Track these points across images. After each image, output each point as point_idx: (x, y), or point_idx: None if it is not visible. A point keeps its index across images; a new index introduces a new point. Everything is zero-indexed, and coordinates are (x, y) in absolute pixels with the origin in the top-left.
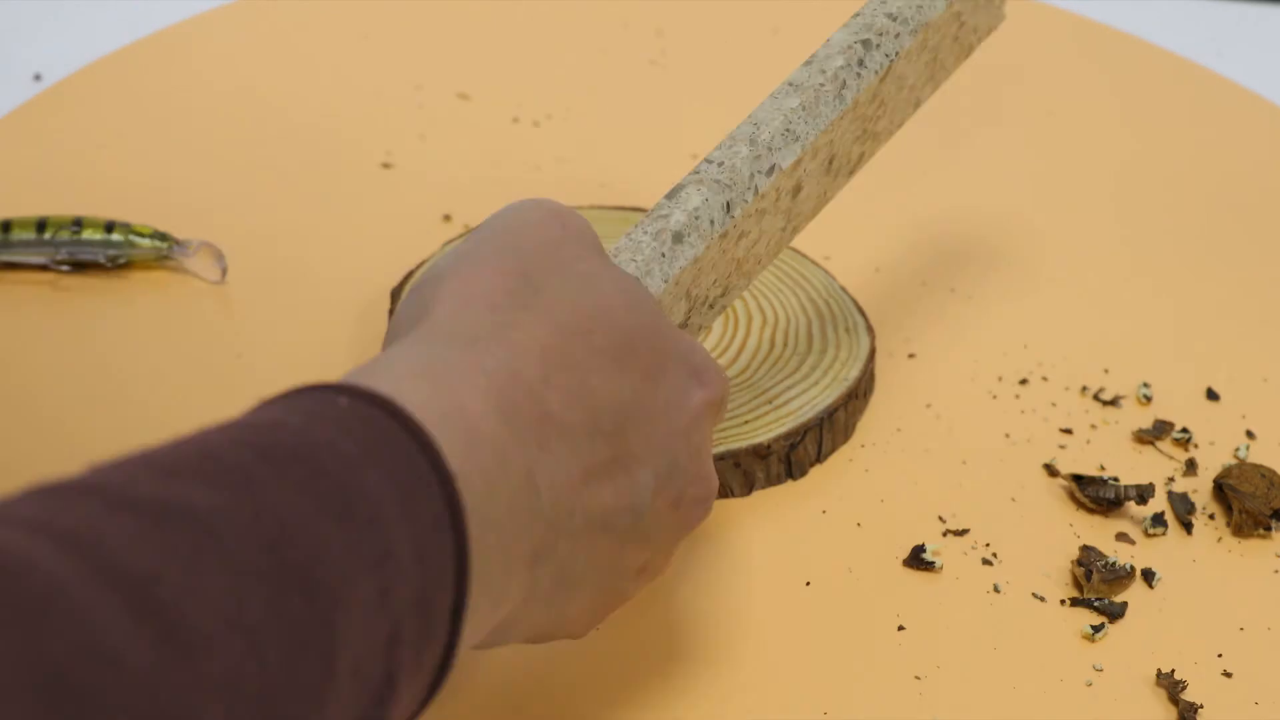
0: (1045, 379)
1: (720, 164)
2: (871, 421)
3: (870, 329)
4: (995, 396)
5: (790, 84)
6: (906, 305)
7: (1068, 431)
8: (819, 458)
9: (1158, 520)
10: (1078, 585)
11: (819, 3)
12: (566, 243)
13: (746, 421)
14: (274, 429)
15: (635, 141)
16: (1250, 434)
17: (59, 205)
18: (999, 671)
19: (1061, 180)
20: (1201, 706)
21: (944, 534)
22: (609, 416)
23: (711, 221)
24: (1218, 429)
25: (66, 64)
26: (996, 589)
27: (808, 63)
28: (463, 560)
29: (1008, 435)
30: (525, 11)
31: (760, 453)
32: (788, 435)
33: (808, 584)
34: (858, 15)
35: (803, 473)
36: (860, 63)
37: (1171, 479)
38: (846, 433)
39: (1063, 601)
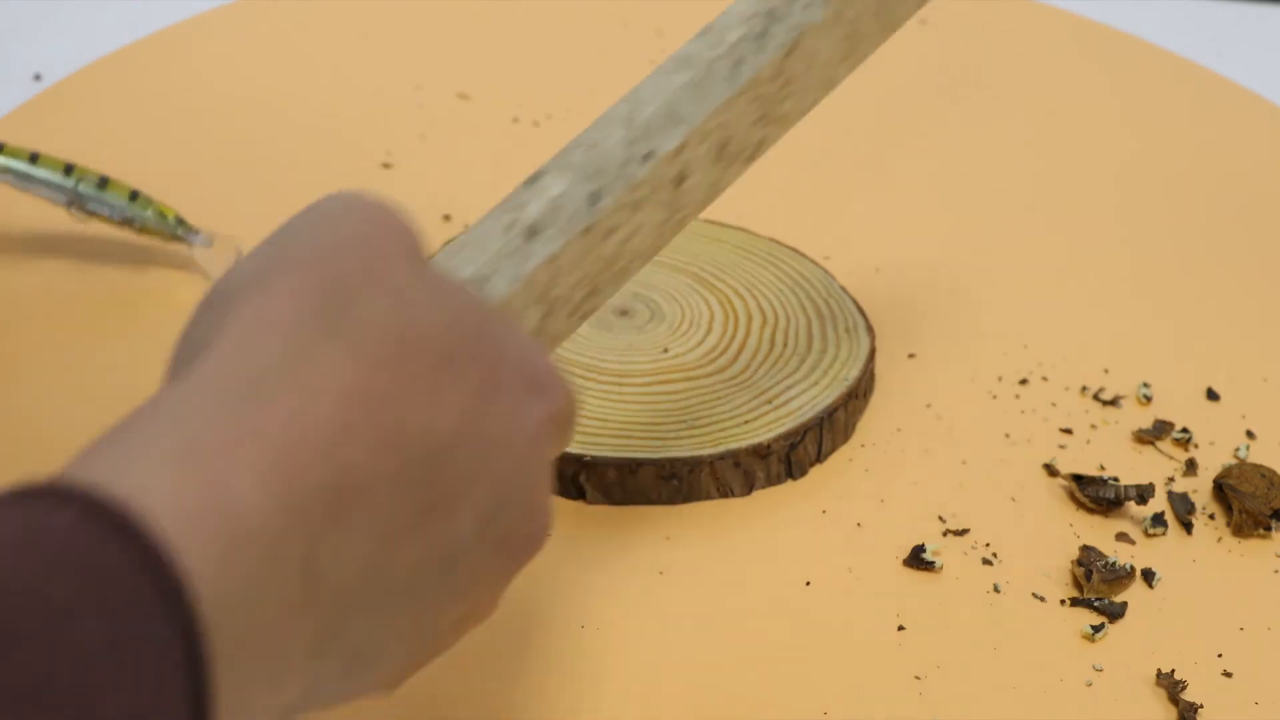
0: (1045, 379)
1: (590, 147)
2: (871, 421)
3: (870, 329)
4: (995, 396)
5: (679, 57)
6: (906, 305)
7: (1068, 431)
8: (819, 457)
9: (1158, 520)
10: (1078, 585)
11: None
12: (381, 248)
13: (746, 421)
14: None
15: None
16: (1250, 434)
17: (59, 207)
18: (999, 671)
19: (1061, 180)
20: (1201, 706)
21: (944, 534)
22: (423, 459)
23: (574, 214)
24: (1218, 429)
25: (66, 64)
26: (996, 589)
27: (702, 33)
28: (201, 710)
29: (1008, 435)
30: (525, 11)
31: (760, 452)
32: (788, 435)
33: (808, 584)
34: None
35: (803, 472)
36: (762, 35)
37: (1171, 479)
38: (846, 433)
39: (1063, 601)
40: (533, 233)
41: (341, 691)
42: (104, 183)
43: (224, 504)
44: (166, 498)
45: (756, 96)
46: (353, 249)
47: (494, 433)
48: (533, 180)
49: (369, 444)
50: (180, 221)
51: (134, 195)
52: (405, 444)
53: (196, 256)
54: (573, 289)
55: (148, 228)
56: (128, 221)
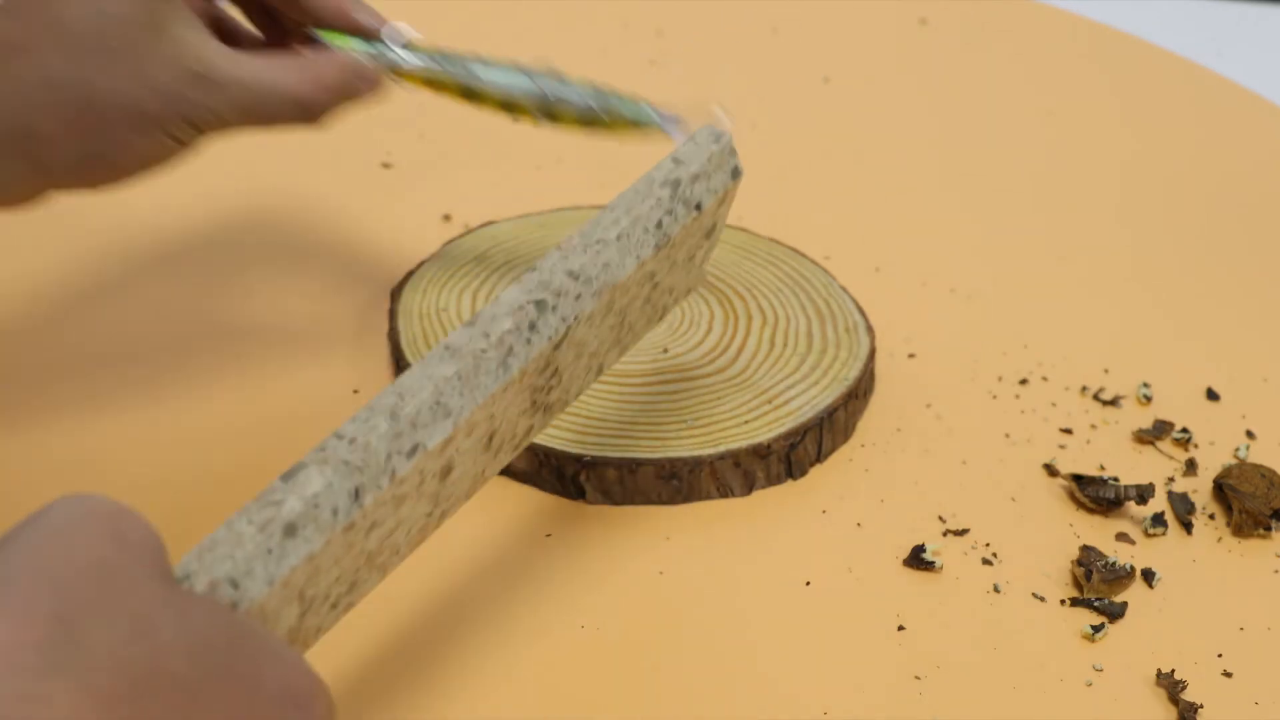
0: (1045, 379)
1: (352, 441)
2: (871, 421)
3: (870, 329)
4: (995, 396)
5: (446, 347)
6: (906, 305)
7: (1068, 431)
8: (819, 457)
9: (1158, 520)
10: (1078, 585)
11: (818, 3)
12: (121, 567)
13: (747, 421)
14: None
15: None
16: (1250, 434)
17: (59, 205)
18: (999, 671)
19: (1061, 180)
20: (1201, 706)
21: (944, 534)
22: None
23: (335, 511)
24: (1218, 429)
25: None
26: (996, 589)
27: (470, 323)
28: None
29: (1008, 435)
30: (525, 11)
31: (760, 452)
32: (788, 435)
33: (807, 584)
34: (534, 270)
35: (803, 472)
36: (532, 326)
37: (1171, 479)
38: (846, 432)
39: (1063, 601)
40: (290, 531)
41: None
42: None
43: None
44: None
45: (526, 386)
46: (86, 568)
47: None
48: (290, 475)
49: None
50: (650, 108)
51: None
52: None
53: (676, 140)
54: (332, 585)
55: (616, 118)
56: (591, 115)
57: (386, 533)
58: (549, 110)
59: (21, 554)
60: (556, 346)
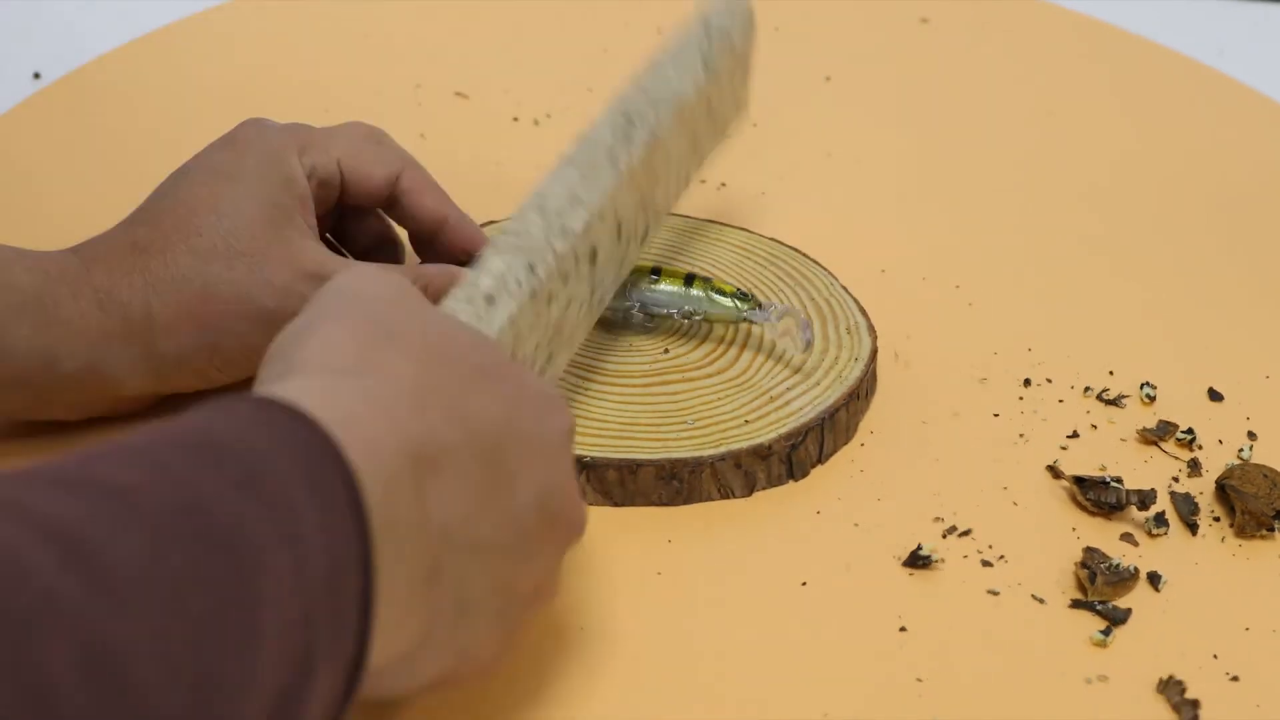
0: (1048, 379)
1: (516, 233)
2: (873, 422)
3: (872, 329)
4: (998, 397)
5: (566, 160)
6: (908, 305)
7: (1074, 436)
8: (820, 458)
9: (1160, 521)
10: (1080, 588)
11: (820, 1)
12: (404, 299)
13: (748, 421)
14: (176, 425)
15: None
16: (1253, 434)
17: (58, 204)
18: (1001, 674)
19: (1063, 180)
20: (1204, 708)
21: (945, 535)
22: (486, 437)
23: (519, 282)
24: (1221, 429)
25: (65, 63)
26: (998, 591)
27: (579, 141)
28: (367, 549)
29: (1009, 435)
30: (525, 11)
31: (761, 453)
32: (789, 435)
33: (803, 584)
34: (619, 100)
35: (804, 473)
36: (627, 136)
37: (1175, 479)
38: (848, 433)
39: (1068, 604)
40: (490, 300)
41: (449, 652)
42: (656, 275)
43: (354, 420)
44: (313, 407)
45: (634, 185)
46: (378, 297)
47: (529, 431)
48: (475, 264)
49: (441, 414)
50: (741, 295)
51: (689, 279)
52: (469, 422)
53: (766, 330)
54: (534, 353)
55: (710, 317)
56: (688, 315)
57: (562, 307)
58: (648, 314)
59: (330, 298)
60: (650, 152)
